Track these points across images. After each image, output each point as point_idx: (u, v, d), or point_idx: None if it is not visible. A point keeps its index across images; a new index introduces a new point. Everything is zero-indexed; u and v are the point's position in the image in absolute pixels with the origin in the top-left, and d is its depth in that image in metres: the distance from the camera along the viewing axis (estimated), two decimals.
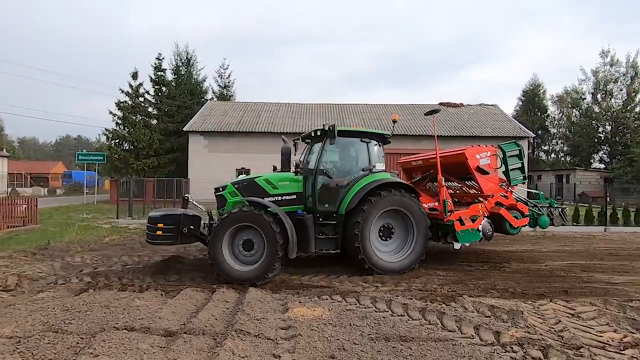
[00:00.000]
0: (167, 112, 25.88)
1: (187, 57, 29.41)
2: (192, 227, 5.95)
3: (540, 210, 7.77)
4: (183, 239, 5.97)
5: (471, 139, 19.88)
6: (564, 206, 8.77)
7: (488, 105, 25.71)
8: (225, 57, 38.86)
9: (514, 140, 8.27)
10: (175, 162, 24.42)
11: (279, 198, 6.29)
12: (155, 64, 25.50)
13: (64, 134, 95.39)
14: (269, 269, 5.63)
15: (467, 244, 7.08)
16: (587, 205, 14.80)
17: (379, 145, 7.00)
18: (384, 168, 6.88)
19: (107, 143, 23.54)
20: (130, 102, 23.81)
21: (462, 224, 6.77)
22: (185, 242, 6.19)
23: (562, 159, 41.15)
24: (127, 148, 23.38)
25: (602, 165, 35.12)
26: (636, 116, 32.48)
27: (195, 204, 6.58)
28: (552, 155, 43.15)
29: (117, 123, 23.42)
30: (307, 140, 7.56)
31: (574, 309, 4.73)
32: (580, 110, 36.65)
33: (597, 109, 34.64)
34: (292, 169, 6.84)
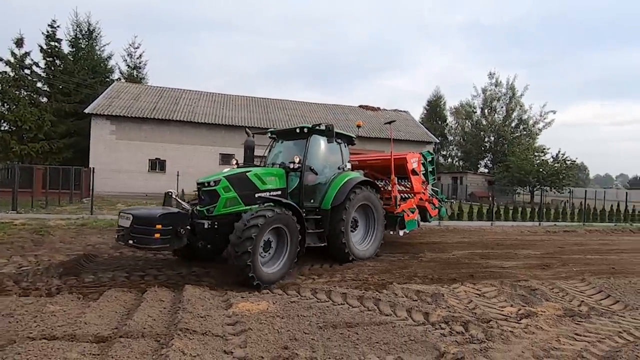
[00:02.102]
0: (62, 89, 22.26)
1: (88, 29, 25.68)
2: (187, 227, 5.26)
3: (441, 204, 9.93)
4: (177, 241, 5.18)
5: (387, 141, 21.58)
6: (452, 200, 11.40)
7: (401, 111, 28.16)
8: (135, 34, 34.92)
9: (428, 150, 10.45)
10: (72, 147, 21.17)
11: (267, 194, 6.11)
12: (48, 31, 21.70)
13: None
14: (291, 267, 5.75)
15: (408, 232, 8.43)
16: (478, 204, 17.35)
17: (345, 146, 7.68)
18: (351, 167, 7.69)
19: None
20: (12, 74, 19.80)
21: (408, 215, 8.21)
22: (179, 245, 5.33)
23: (457, 163, 47.30)
24: (6, 129, 19.44)
25: (487, 170, 41.41)
26: (512, 130, 39.08)
27: (180, 201, 5.78)
28: (449, 159, 49.29)
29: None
30: (272, 136, 7.61)
31: (479, 290, 5.60)
32: (472, 122, 42.57)
33: (484, 122, 40.67)
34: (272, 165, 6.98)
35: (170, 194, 5.93)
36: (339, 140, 7.39)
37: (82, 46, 25.18)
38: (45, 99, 21.58)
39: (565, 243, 11.04)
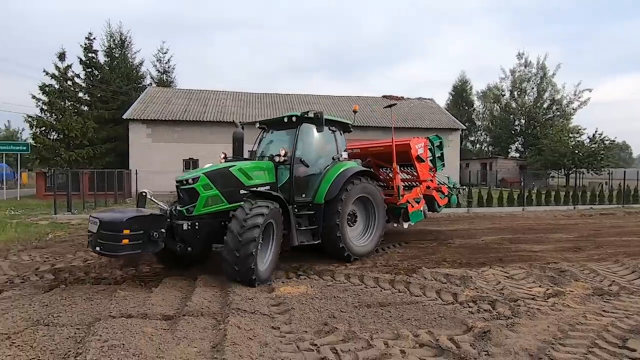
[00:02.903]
0: (101, 98, 23.76)
1: (120, 39, 27.13)
2: (162, 230, 4.87)
3: (452, 191, 9.30)
4: (151, 246, 4.83)
5: (412, 130, 21.50)
6: (464, 187, 11.03)
7: (425, 99, 27.81)
8: (163, 40, 36.58)
9: (436, 134, 9.43)
10: (113, 152, 22.66)
11: (254, 189, 5.60)
12: (86, 44, 23.22)
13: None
14: (276, 263, 5.59)
15: (413, 224, 7.89)
16: (508, 190, 17.07)
17: (341, 134, 7.13)
18: (347, 157, 7.13)
19: (32, 131, 20.94)
20: (57, 86, 21.41)
21: (413, 206, 7.63)
22: (154, 250, 4.94)
23: (486, 148, 46.00)
24: (55, 137, 21.10)
25: (518, 154, 40.06)
26: (544, 112, 37.49)
27: (155, 201, 5.49)
28: (477, 145, 47.98)
29: (41, 109, 20.95)
30: (262, 127, 7.19)
31: (508, 273, 5.79)
32: (501, 105, 41.17)
33: (514, 105, 39.24)
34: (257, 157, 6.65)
35: (144, 194, 5.41)
36: (333, 128, 6.86)
37: (116, 55, 26.67)
38: (86, 108, 23.18)
39: (601, 226, 10.81)
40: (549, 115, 37.29)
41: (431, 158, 8.74)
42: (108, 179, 16.47)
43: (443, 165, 9.26)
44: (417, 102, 26.76)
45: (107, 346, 3.13)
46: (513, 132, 39.41)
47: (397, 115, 23.17)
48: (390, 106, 7.91)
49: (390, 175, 8.18)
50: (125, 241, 4.53)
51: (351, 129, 7.42)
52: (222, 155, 6.40)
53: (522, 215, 13.47)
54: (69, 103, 21.99)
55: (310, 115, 6.14)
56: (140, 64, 28.88)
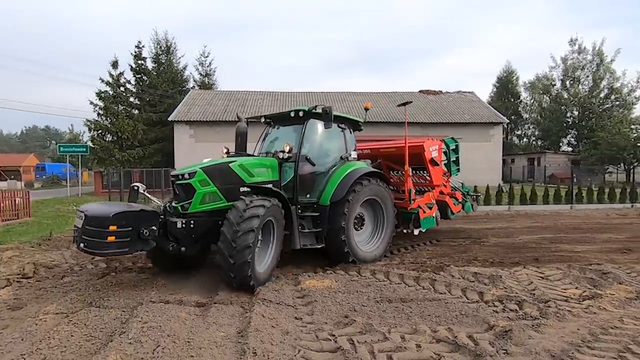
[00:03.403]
0: (150, 101, 25.51)
1: (166, 45, 28.84)
2: (153, 227, 4.50)
3: (466, 198, 8.81)
4: (141, 245, 4.44)
5: (451, 126, 20.83)
6: (479, 194, 10.29)
7: (465, 92, 26.74)
8: (205, 44, 38.47)
9: (452, 137, 8.90)
10: (160, 152, 24.25)
11: (251, 185, 5.18)
12: (135, 52, 25.02)
13: (30, 125, 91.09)
14: (276, 266, 5.35)
15: (423, 230, 7.48)
16: (555, 185, 16.02)
17: (351, 133, 6.80)
18: (356, 157, 6.78)
19: (90, 134, 23.03)
20: (111, 92, 23.32)
21: (424, 211, 7.25)
22: (143, 249, 4.56)
23: (534, 142, 43.22)
24: (110, 139, 23.03)
25: (570, 149, 37.23)
26: (601, 102, 34.48)
27: (148, 195, 5.23)
28: (525, 139, 45.21)
29: (98, 114, 22.96)
30: (267, 121, 6.85)
31: (543, 273, 5.54)
32: (551, 96, 38.42)
33: (565, 95, 36.45)
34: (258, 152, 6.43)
35: (136, 188, 5.07)
36: (343, 126, 6.50)
37: (162, 61, 28.41)
38: (136, 111, 25.03)
39: None
40: (607, 106, 34.19)
41: (445, 162, 8.35)
42: (156, 177, 17.76)
43: (458, 170, 8.91)
44: (456, 95, 25.81)
45: (147, 327, 3.51)
46: (565, 124, 36.66)
47: (434, 109, 22.53)
48: (404, 104, 7.53)
49: (402, 178, 7.79)
50: (111, 238, 4.12)
51: (362, 128, 7.08)
52: (225, 150, 6.18)
53: (569, 213, 12.62)
54: (122, 107, 23.86)
55: (318, 110, 5.76)
56: (184, 68, 30.55)
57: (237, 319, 3.89)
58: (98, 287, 4.89)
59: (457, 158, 8.79)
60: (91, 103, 22.89)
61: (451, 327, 3.70)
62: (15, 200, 10.54)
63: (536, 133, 42.96)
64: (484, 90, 51.91)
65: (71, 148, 22.81)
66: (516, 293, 4.67)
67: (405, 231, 7.35)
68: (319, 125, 6.08)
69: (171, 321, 3.68)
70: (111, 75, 23.58)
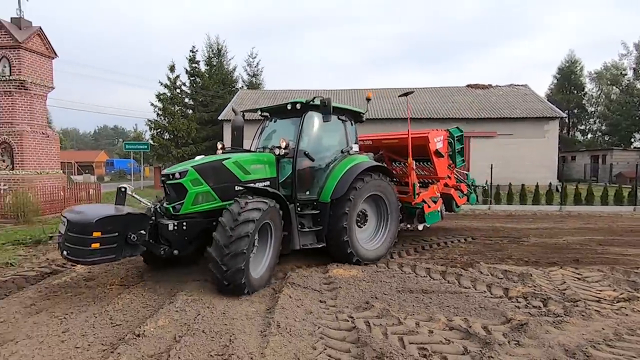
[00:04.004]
0: (202, 102, 27.33)
1: (218, 49, 30.59)
2: (141, 231, 4.23)
3: (470, 189, 8.55)
4: (129, 250, 4.19)
5: (499, 121, 19.87)
6: (485, 186, 10.02)
7: (518, 85, 25.20)
8: (253, 46, 40.49)
9: (457, 127, 8.64)
10: (211, 149, 25.94)
11: (252, 185, 4.97)
12: (190, 56, 26.94)
13: (101, 124, 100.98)
14: (274, 270, 5.03)
15: (428, 225, 7.25)
16: (617, 185, 14.72)
17: (352, 125, 6.48)
18: (358, 150, 6.52)
19: (151, 133, 25.32)
20: (169, 94, 25.39)
21: (429, 206, 7.02)
22: (133, 254, 4.30)
23: (600, 138, 39.44)
24: (167, 137, 25.12)
25: None
26: None
27: (137, 197, 4.85)
28: (589, 135, 41.42)
29: (157, 114, 25.14)
30: (264, 114, 6.60)
31: (580, 274, 5.36)
32: (620, 87, 34.82)
33: (638, 85, 32.82)
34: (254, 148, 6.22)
35: (123, 189, 4.67)
36: (343, 118, 6.19)
37: (214, 63, 30.23)
38: (190, 111, 26.98)
39: None
40: None
41: (450, 153, 8.11)
42: None
43: (463, 160, 8.66)
44: (507, 89, 24.41)
45: (190, 299, 4.08)
46: (636, 118, 33.04)
47: (482, 105, 21.59)
48: (405, 95, 7.10)
49: (404, 170, 7.47)
50: (96, 245, 3.85)
51: (364, 119, 6.67)
52: (220, 147, 5.92)
53: (631, 216, 11.60)
54: (178, 108, 25.87)
55: (316, 102, 5.48)
56: (234, 69, 32.20)
57: (268, 298, 4.34)
58: (152, 265, 5.63)
59: (462, 148, 8.56)
60: (152, 104, 25.17)
61: (467, 318, 3.82)
62: (89, 192, 12.10)
63: (602, 128, 39.17)
64: (542, 83, 48.23)
65: (135, 145, 25.21)
66: (544, 291, 4.62)
67: (408, 227, 7.15)
68: (318, 118, 5.69)
69: (210, 296, 4.22)
70: (169, 78, 25.68)
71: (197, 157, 5.14)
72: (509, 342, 3.31)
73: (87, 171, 44.83)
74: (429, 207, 6.99)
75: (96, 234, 3.87)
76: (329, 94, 25.26)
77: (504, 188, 13.93)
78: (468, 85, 24.84)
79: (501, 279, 5.17)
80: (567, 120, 37.87)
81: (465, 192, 8.33)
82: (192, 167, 4.69)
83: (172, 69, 25.55)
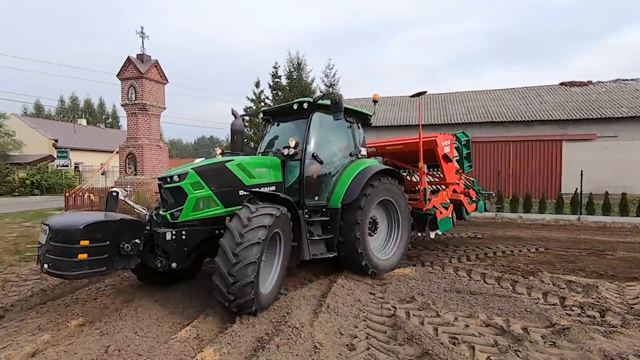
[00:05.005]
0: None
1: (297, 63, 32.78)
2: (136, 240, 3.83)
3: (479, 197, 8.33)
4: (122, 262, 3.77)
5: (599, 122, 17.64)
6: (492, 193, 9.87)
7: (626, 80, 21.83)
8: (330, 57, 42.21)
9: (462, 131, 8.40)
10: None
11: (257, 190, 4.60)
12: (272, 72, 29.48)
13: (200, 135, 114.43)
14: (282, 284, 4.63)
15: (440, 233, 6.96)
16: None
17: (359, 127, 6.26)
18: (366, 154, 6.33)
19: None
20: (254, 107, 28.16)
21: (441, 212, 6.79)
22: (126, 266, 3.88)
23: None
24: (253, 146, 27.83)
25: None
26: None
27: (130, 202, 4.49)
28: None
29: (245, 126, 28.01)
30: (266, 117, 6.30)
31: None
32: None
33: None
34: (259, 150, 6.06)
35: (115, 193, 4.28)
36: (351, 120, 5.95)
37: (294, 77, 32.43)
38: None
39: None
40: None
41: (457, 158, 7.88)
42: None
43: (470, 166, 8.42)
44: (612, 85, 21.31)
45: None
46: None
47: (579, 104, 19.33)
48: (417, 95, 6.69)
49: (410, 178, 7.51)
50: (83, 256, 3.41)
51: (371, 122, 6.52)
52: (219, 151, 5.63)
53: None
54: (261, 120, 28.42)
55: (326, 101, 5.27)
56: (312, 81, 34.05)
57: (324, 286, 5.02)
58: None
59: (469, 153, 8.36)
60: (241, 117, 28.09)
61: (509, 319, 3.94)
62: None
63: None
64: None
65: None
66: (608, 304, 4.42)
67: (420, 234, 6.87)
68: (326, 119, 5.45)
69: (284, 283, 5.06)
70: (254, 93, 28.50)
71: (197, 160, 4.81)
72: (544, 342, 3.43)
73: None
74: (441, 213, 6.78)
75: (84, 243, 3.39)
76: (403, 100, 25.20)
77: (599, 197, 12.48)
78: (561, 83, 22.43)
79: (562, 288, 5.02)
80: None
81: (474, 199, 8.12)
82: (192, 169, 4.31)
83: (257, 84, 28.35)
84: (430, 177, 7.91)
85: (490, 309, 4.27)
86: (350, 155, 5.88)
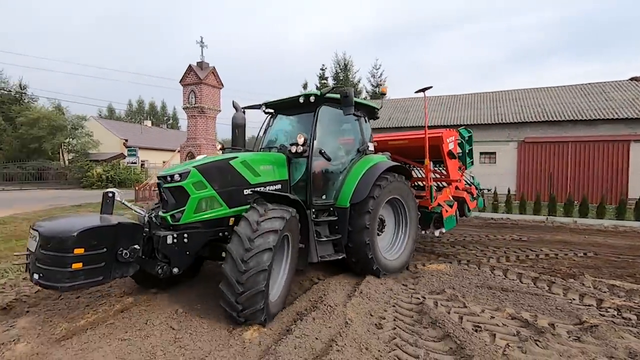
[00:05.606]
0: None
1: (344, 64, 33.32)
2: (135, 246, 3.57)
3: (479, 193, 8.30)
4: (120, 270, 3.51)
5: (617, 122, 16.03)
6: (489, 189, 9.55)
7: None
8: (377, 57, 41.90)
9: (465, 127, 8.26)
10: None
11: (262, 189, 4.42)
12: (319, 74, 30.34)
13: (250, 135, 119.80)
14: (289, 289, 4.38)
15: (445, 231, 6.79)
16: None
17: (367, 121, 6.01)
18: (374, 149, 6.02)
19: None
20: None
21: (446, 210, 6.66)
22: (124, 274, 3.60)
23: None
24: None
25: None
26: None
27: (127, 204, 4.18)
28: None
29: None
30: (269, 110, 5.91)
31: None
32: None
33: None
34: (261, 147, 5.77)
35: (111, 194, 3.97)
36: (359, 114, 5.65)
37: (341, 77, 33.01)
38: None
39: None
40: None
41: (460, 154, 7.74)
42: None
43: (472, 162, 8.39)
44: None
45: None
46: None
47: (597, 104, 17.59)
48: (423, 90, 6.36)
49: (414, 174, 7.55)
50: (78, 266, 3.14)
51: (378, 115, 6.28)
52: (219, 146, 5.41)
53: None
54: None
55: (334, 94, 5.00)
56: (358, 81, 34.39)
57: (360, 277, 5.43)
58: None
59: (471, 150, 8.28)
60: None
61: (537, 315, 4.05)
62: None
63: None
64: None
65: None
66: None
67: (425, 232, 6.81)
68: (333, 113, 5.24)
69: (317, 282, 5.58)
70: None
71: (199, 157, 4.66)
72: (568, 336, 3.55)
73: None
74: (447, 211, 6.65)
75: (78, 251, 3.14)
76: (451, 99, 24.59)
77: None
78: (632, 79, 20.49)
79: (603, 292, 4.94)
80: None
81: (475, 196, 8.07)
82: (194, 167, 4.04)
83: (305, 86, 29.31)
84: (434, 174, 7.84)
85: (520, 305, 4.40)
86: (358, 151, 5.67)
